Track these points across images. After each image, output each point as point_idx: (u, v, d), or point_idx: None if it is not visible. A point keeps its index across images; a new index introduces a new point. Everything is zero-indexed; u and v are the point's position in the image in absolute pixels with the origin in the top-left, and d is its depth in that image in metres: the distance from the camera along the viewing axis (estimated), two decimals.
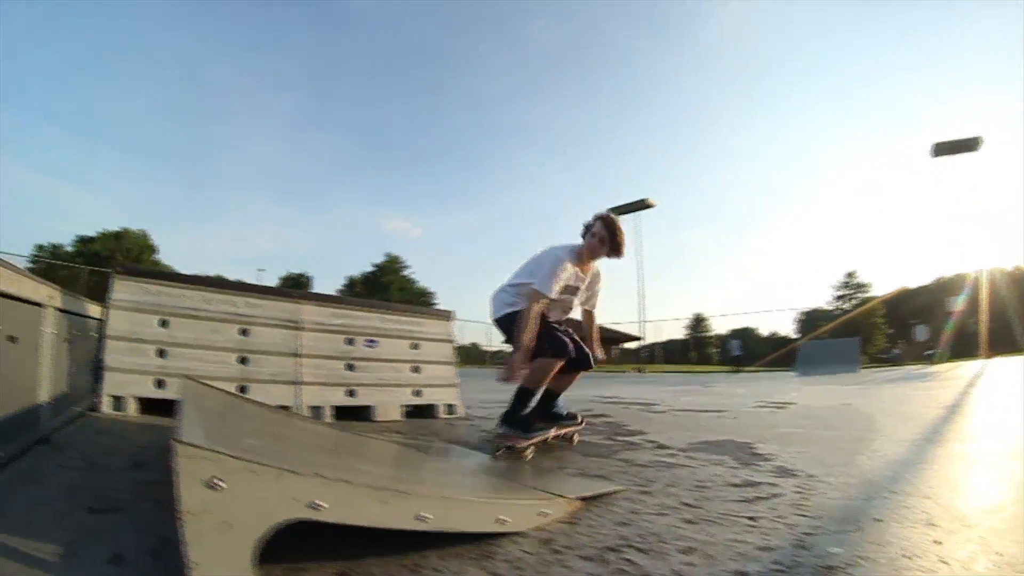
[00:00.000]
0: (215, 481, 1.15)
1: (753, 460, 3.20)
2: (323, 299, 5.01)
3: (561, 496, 2.12)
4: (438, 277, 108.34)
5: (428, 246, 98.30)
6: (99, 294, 4.47)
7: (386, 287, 56.32)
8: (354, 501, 1.40)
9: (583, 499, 2.18)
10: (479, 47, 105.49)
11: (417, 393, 5.08)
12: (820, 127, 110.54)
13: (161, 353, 3.90)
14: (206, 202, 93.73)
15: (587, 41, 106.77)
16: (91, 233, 52.93)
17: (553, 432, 3.63)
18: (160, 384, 3.84)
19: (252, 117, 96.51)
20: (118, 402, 3.69)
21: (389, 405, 4.81)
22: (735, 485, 2.56)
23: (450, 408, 5.24)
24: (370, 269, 60.71)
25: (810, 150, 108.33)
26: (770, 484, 2.56)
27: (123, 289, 3.93)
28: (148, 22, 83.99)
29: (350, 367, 4.74)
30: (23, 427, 2.38)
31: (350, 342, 4.81)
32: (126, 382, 3.75)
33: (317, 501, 1.30)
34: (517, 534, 1.76)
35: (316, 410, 4.38)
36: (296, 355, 4.46)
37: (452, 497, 1.76)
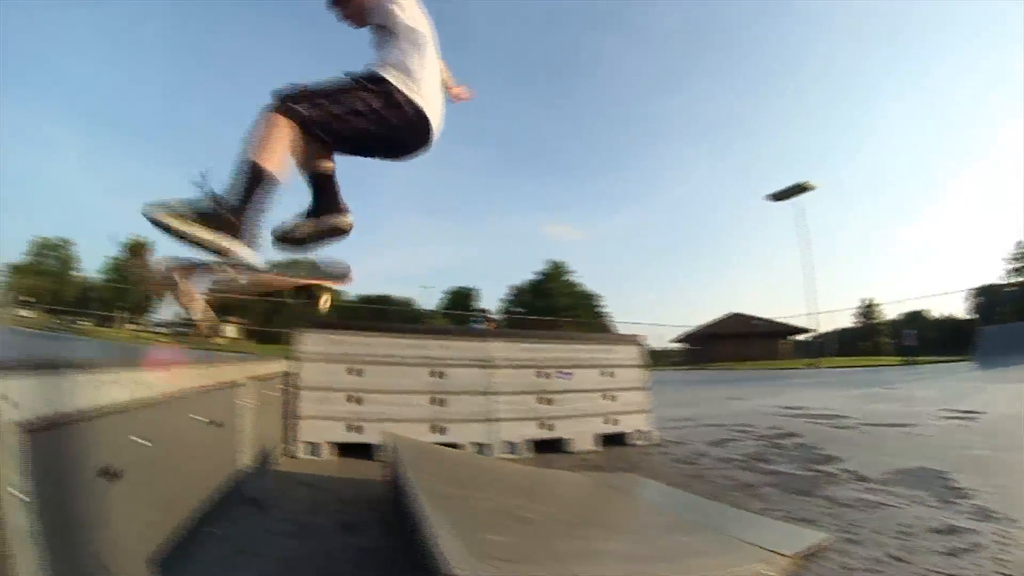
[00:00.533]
0: None
1: (951, 497, 3.02)
2: (512, 335, 5.09)
3: (779, 554, 2.00)
4: (601, 278, 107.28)
5: (589, 248, 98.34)
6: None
7: (551, 293, 56.94)
8: None
9: (798, 556, 2.04)
10: (605, 43, 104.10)
11: (610, 421, 4.99)
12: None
13: (353, 399, 4.08)
14: (366, 227, 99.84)
15: (714, 21, 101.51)
16: None
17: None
18: (353, 429, 4.07)
19: None
20: (313, 448, 3.95)
21: (583, 435, 4.77)
22: (938, 531, 2.47)
23: (643, 435, 5.10)
24: (534, 277, 61.51)
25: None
26: (971, 531, 2.45)
27: (311, 342, 4.19)
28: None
29: (543, 400, 4.72)
30: (231, 494, 2.59)
31: (542, 375, 4.79)
32: (320, 429, 4.00)
33: None
34: None
35: (512, 445, 4.44)
36: (489, 393, 4.51)
37: None
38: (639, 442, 4.95)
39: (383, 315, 40.78)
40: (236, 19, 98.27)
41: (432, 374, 4.37)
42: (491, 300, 67.44)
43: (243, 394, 2.92)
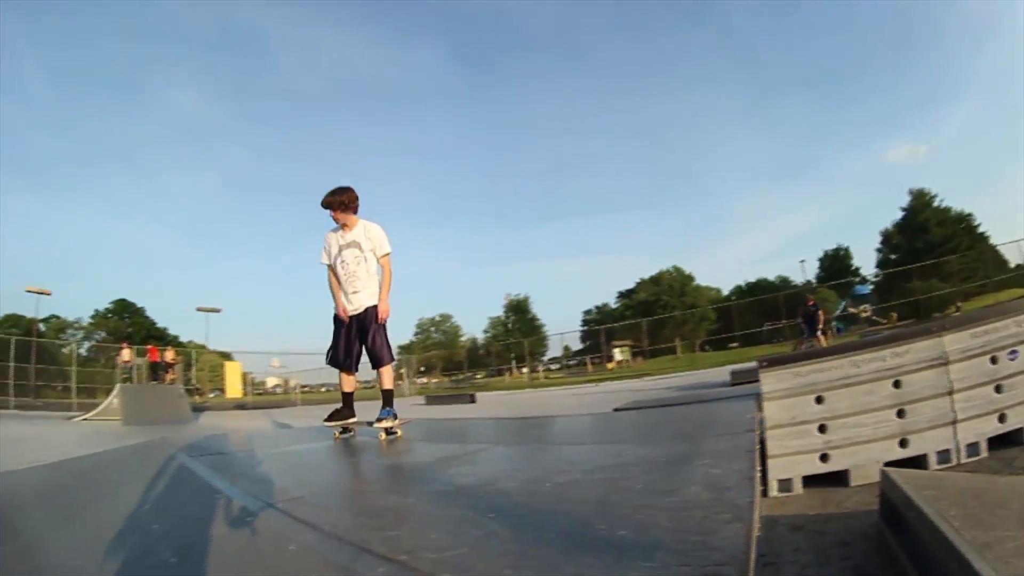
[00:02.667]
0: None
1: None
2: (964, 322, 4.55)
3: None
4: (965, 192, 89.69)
5: (938, 159, 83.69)
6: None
7: (924, 228, 50.26)
8: None
9: None
10: None
11: None
12: None
13: (822, 429, 4.09)
14: (712, 216, 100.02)
15: None
16: (629, 285, 63.18)
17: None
18: (824, 458, 4.01)
19: (713, 121, 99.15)
20: (785, 484, 3.95)
21: None
22: None
23: None
24: (899, 215, 55.04)
25: None
26: None
27: (771, 380, 4.25)
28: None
29: (998, 389, 4.17)
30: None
31: (994, 361, 4.21)
32: (792, 464, 4.00)
33: None
34: None
35: (972, 447, 4.04)
36: (947, 392, 4.12)
37: None
38: None
39: (762, 304, 39.63)
40: None
41: (894, 385, 4.14)
42: (864, 256, 60.61)
43: None
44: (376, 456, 4.31)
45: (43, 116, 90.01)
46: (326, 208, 4.83)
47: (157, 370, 23.90)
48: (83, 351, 48.12)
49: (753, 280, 62.94)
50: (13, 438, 10.05)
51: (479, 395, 20.91)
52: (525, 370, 42.96)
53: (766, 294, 44.69)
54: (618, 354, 43.55)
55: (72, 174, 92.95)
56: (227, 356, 38.34)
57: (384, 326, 4.97)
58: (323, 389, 43.95)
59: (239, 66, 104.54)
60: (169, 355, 23.65)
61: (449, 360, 54.38)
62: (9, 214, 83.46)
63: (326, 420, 5.22)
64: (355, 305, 4.89)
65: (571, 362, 51.82)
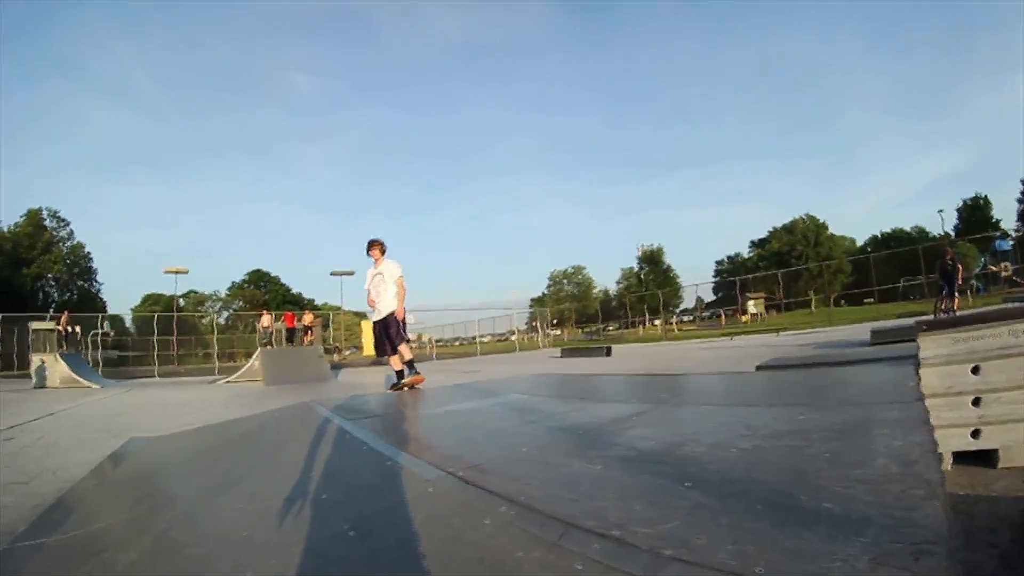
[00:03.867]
0: None
1: None
2: None
3: None
4: None
5: None
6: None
7: None
8: None
9: None
10: None
11: None
12: None
13: (976, 402, 3.84)
14: (844, 160, 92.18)
15: None
16: (762, 234, 60.35)
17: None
18: (976, 434, 3.78)
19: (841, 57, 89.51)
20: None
21: None
22: None
23: None
24: None
25: None
26: None
27: (930, 345, 4.07)
28: None
29: None
30: None
31: None
32: (944, 438, 3.77)
33: None
34: None
35: None
36: None
37: None
38: None
39: (899, 257, 36.17)
40: None
41: None
42: (1004, 207, 52.73)
43: None
44: (541, 417, 4.16)
45: (169, 114, 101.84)
46: (368, 250, 7.61)
47: (295, 334, 25.72)
48: (221, 320, 54.27)
49: (888, 230, 56.90)
50: (160, 403, 11.20)
51: (614, 347, 21.09)
52: (659, 322, 42.41)
53: (902, 246, 40.60)
54: (752, 307, 41.56)
55: (202, 163, 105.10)
56: (362, 316, 41.05)
57: (399, 322, 7.40)
58: (457, 343, 46.19)
59: (346, 43, 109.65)
60: (307, 318, 25.49)
61: (582, 312, 54.66)
62: (145, 205, 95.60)
63: (390, 389, 7.69)
64: (378, 314, 7.44)
65: (704, 314, 50.31)
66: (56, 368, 17.29)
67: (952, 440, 3.80)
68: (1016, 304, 14.69)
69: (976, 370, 3.89)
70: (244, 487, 2.93)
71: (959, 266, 17.07)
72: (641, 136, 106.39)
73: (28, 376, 18.21)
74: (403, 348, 7.44)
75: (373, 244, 7.59)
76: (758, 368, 6.56)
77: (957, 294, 16.96)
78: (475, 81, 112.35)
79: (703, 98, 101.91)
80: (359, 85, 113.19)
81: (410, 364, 7.44)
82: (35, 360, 17.63)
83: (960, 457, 3.79)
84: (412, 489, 2.26)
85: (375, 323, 7.61)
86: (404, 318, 7.58)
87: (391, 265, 7.51)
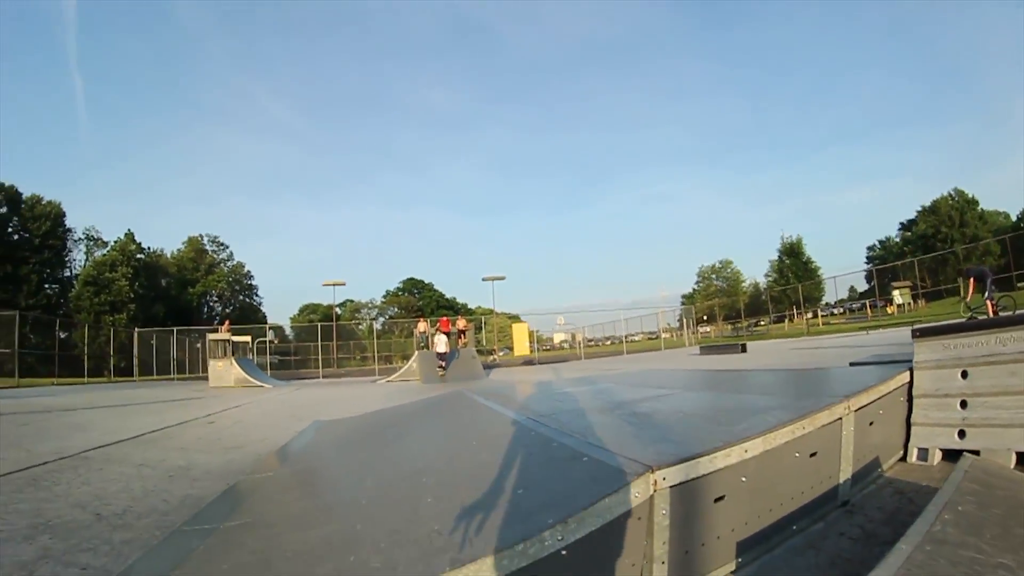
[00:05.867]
0: None
1: None
2: None
3: None
4: None
5: None
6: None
7: None
8: None
9: None
10: None
11: None
12: None
13: (963, 404, 4.16)
14: (995, 125, 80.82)
15: None
16: (910, 214, 55.47)
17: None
18: (961, 435, 4.09)
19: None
20: (923, 453, 4.19)
21: None
22: None
23: None
24: None
25: None
26: None
27: (923, 349, 4.52)
28: None
29: None
30: (825, 500, 3.43)
31: None
32: (932, 434, 4.22)
33: None
34: None
35: None
36: None
37: None
38: None
39: None
40: None
41: None
42: None
43: (846, 424, 3.72)
44: (599, 393, 6.41)
45: (315, 141, 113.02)
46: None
47: (450, 337, 27.97)
48: (378, 326, 58.50)
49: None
50: (329, 397, 13.41)
51: (752, 344, 21.01)
52: (808, 316, 40.48)
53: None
54: (898, 297, 38.23)
55: (349, 184, 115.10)
56: (515, 318, 42.85)
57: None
58: (608, 342, 46.88)
59: (476, 57, 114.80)
60: (460, 323, 27.32)
61: (731, 307, 53.08)
62: (297, 225, 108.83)
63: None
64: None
65: (854, 306, 46.88)
66: (231, 371, 20.58)
67: (939, 438, 4.22)
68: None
69: (964, 374, 4.25)
70: (417, 438, 5.49)
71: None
72: (784, 116, 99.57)
73: (203, 379, 21.99)
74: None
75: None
76: (851, 364, 6.71)
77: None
78: (604, 77, 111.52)
79: (841, 66, 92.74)
80: (494, 94, 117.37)
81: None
82: (212, 364, 21.12)
83: (950, 455, 4.08)
84: (510, 425, 4.52)
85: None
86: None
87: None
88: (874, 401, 4.10)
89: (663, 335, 42.41)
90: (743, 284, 65.42)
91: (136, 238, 53.08)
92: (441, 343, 18.59)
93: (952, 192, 53.54)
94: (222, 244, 66.86)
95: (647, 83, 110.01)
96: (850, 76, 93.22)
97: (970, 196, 52.92)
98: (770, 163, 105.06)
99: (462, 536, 2.16)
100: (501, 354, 44.88)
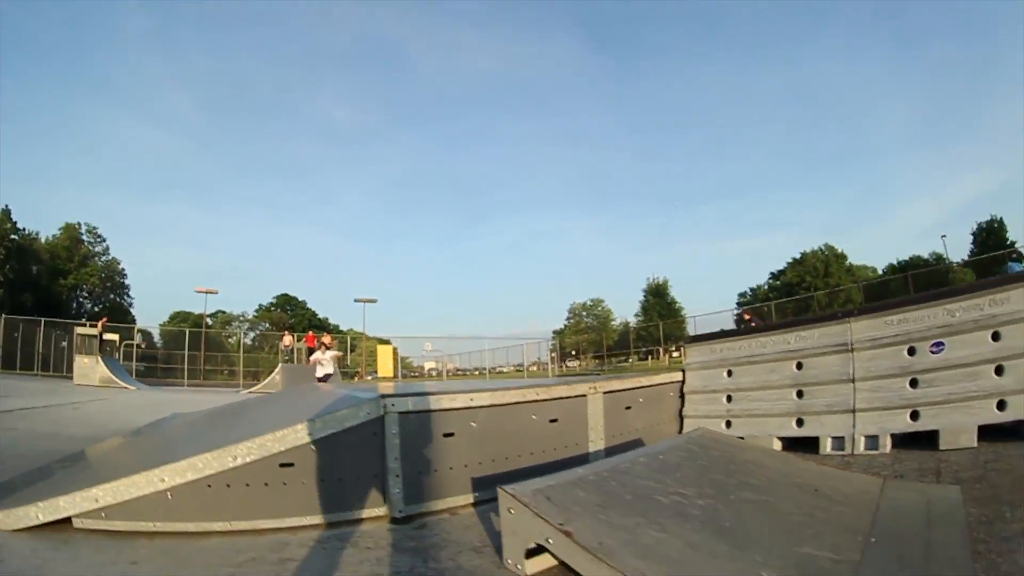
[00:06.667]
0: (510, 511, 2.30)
1: None
2: (876, 310, 4.54)
3: None
4: None
5: None
6: None
7: None
8: (570, 551, 2.05)
9: None
10: None
11: (1001, 406, 3.72)
12: None
13: (728, 398, 4.80)
14: (868, 193, 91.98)
15: None
16: (780, 266, 61.06)
17: None
18: (728, 425, 4.80)
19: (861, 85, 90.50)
20: None
21: (959, 428, 3.82)
22: None
23: None
24: None
25: None
26: None
27: (693, 353, 5.18)
28: None
29: (913, 383, 4.10)
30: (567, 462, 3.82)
31: (912, 352, 4.17)
32: (700, 425, 4.75)
33: (549, 539, 2.12)
34: None
35: (872, 440, 4.12)
36: (849, 380, 4.35)
37: None
38: None
39: (915, 281, 36.19)
40: None
41: (796, 367, 4.56)
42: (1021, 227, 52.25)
43: (592, 402, 4.28)
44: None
45: (209, 138, 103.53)
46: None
47: (314, 353, 27.75)
48: (248, 340, 55.71)
49: (906, 258, 56.53)
50: (191, 400, 13.19)
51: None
52: (673, 351, 42.96)
53: (918, 270, 40.69)
54: None
55: (237, 187, 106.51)
56: (385, 342, 42.35)
57: None
58: (475, 372, 47.13)
59: (385, 76, 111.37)
60: (326, 339, 27.07)
61: (599, 344, 55.36)
62: (179, 227, 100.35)
63: None
64: None
65: None
66: (97, 369, 19.03)
67: (711, 427, 4.75)
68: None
69: (729, 373, 4.86)
70: (254, 415, 5.33)
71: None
72: (674, 170, 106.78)
73: (68, 377, 20.19)
74: None
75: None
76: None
77: None
78: (510, 115, 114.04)
79: (733, 129, 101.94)
80: (395, 117, 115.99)
81: None
82: (78, 361, 19.41)
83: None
84: (332, 395, 4.55)
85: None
86: None
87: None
88: (630, 390, 4.69)
89: (530, 368, 43.35)
90: (613, 322, 68.51)
91: (12, 216, 47.48)
92: (328, 365, 16.44)
93: (823, 247, 59.49)
94: (99, 236, 60.21)
95: (546, 126, 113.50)
96: (744, 135, 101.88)
97: (839, 251, 59.04)
98: (656, 212, 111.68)
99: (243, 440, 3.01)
100: (369, 377, 44.17)
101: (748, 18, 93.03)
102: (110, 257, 61.24)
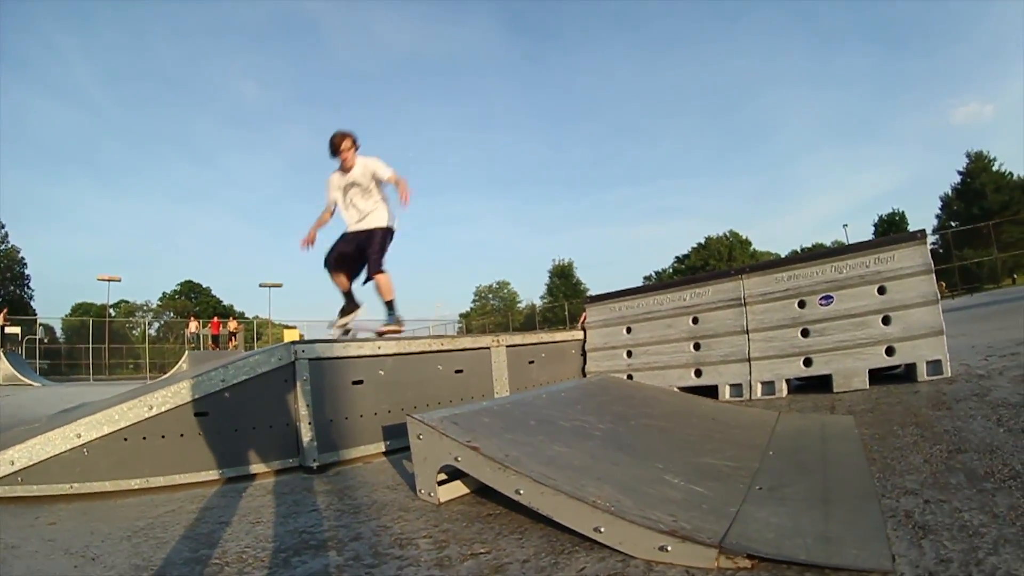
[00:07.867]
0: (419, 436, 2.34)
1: None
2: (765, 267, 4.74)
3: (703, 544, 1.53)
4: None
5: (1006, 121, 75.76)
6: None
7: (981, 193, 46.98)
8: (477, 464, 2.10)
9: (757, 558, 1.47)
10: None
11: (889, 352, 4.04)
12: None
13: (628, 354, 4.84)
14: (773, 185, 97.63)
15: None
16: (684, 251, 63.41)
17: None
18: (630, 377, 4.85)
19: (774, 80, 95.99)
20: None
21: (851, 372, 4.10)
22: None
23: (935, 366, 3.88)
24: (957, 179, 50.21)
25: None
26: None
27: (593, 312, 5.20)
28: None
29: (805, 333, 4.35)
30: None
31: (802, 305, 4.40)
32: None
33: (458, 457, 2.16)
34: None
35: (768, 386, 4.34)
36: (743, 331, 4.56)
37: (546, 484, 1.88)
38: (929, 377, 3.82)
39: None
40: None
41: (692, 321, 4.74)
42: (922, 221, 57.98)
43: (496, 354, 4.35)
44: None
45: (107, 119, 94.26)
46: (334, 150, 4.66)
47: (220, 340, 26.85)
48: (152, 331, 52.00)
49: (809, 245, 61.17)
50: (101, 392, 12.26)
51: None
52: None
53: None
54: None
55: (138, 170, 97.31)
56: (291, 327, 41.03)
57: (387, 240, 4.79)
58: None
59: (295, 52, 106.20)
60: (232, 325, 26.03)
61: (505, 326, 55.93)
62: (80, 211, 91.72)
63: (336, 321, 5.02)
64: (365, 223, 4.73)
65: None
66: (0, 365, 17.54)
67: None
68: None
69: (628, 330, 4.89)
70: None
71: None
72: (581, 156, 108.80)
73: None
74: (385, 279, 4.72)
75: (344, 137, 4.63)
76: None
77: None
78: (419, 97, 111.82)
79: (642, 118, 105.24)
80: (303, 96, 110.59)
81: (391, 305, 4.70)
82: None
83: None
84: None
85: (355, 233, 4.74)
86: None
87: (372, 163, 4.68)
88: (532, 344, 4.81)
89: None
90: (519, 304, 69.39)
91: None
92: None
93: (727, 232, 62.48)
94: None
95: (455, 110, 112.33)
96: (653, 124, 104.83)
97: (744, 237, 62.22)
98: (563, 197, 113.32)
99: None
100: None
101: (661, 12, 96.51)
102: (9, 246, 54.63)
